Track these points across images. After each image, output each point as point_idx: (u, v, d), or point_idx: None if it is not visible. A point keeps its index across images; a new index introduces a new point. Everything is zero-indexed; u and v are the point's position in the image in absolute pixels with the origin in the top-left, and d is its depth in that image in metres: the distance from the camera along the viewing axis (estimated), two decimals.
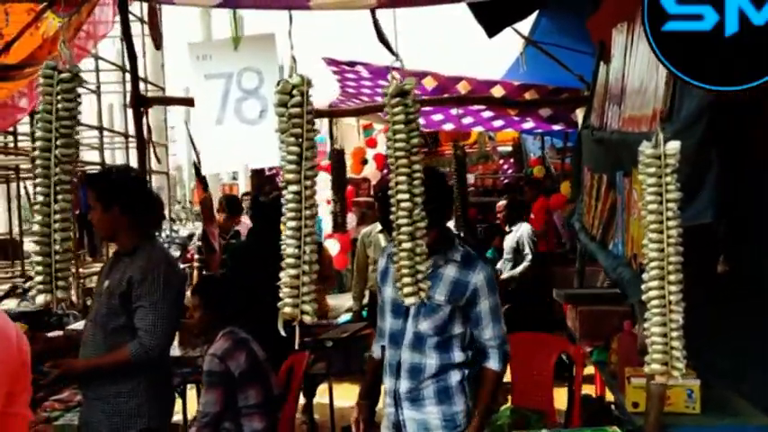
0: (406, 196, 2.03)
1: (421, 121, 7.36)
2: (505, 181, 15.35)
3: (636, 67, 3.26)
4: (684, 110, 2.43)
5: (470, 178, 14.55)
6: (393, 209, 2.07)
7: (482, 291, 2.69)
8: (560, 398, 4.31)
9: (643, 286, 1.90)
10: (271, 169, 11.68)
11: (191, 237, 15.06)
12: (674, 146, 1.87)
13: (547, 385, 4.00)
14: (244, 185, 17.70)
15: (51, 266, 2.07)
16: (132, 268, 2.96)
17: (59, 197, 2.06)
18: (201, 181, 5.95)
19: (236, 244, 5.86)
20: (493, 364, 2.71)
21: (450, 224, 8.02)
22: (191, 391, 4.93)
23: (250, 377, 3.47)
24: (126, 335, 2.95)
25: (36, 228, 2.06)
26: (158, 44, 5.34)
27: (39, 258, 2.07)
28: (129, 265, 2.99)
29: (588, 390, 5.07)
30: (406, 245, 2.02)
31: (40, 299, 2.08)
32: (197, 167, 6.03)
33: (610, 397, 4.71)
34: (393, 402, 2.78)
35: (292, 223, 1.75)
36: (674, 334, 1.85)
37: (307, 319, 1.80)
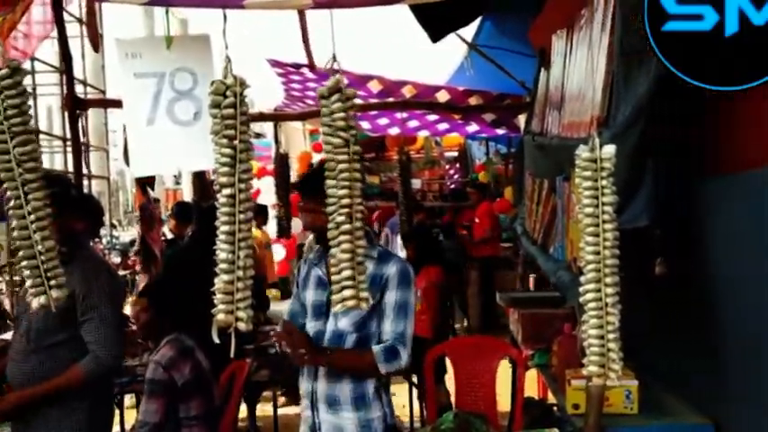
0: (347, 201, 1.99)
1: (366, 125, 7.37)
2: (452, 186, 15.47)
3: (574, 74, 3.31)
4: (620, 115, 2.47)
5: (417, 183, 14.62)
6: (331, 215, 2.02)
7: (391, 282, 2.64)
8: (503, 401, 4.34)
9: (580, 289, 1.91)
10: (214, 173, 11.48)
11: (132, 242, 14.73)
12: (609, 150, 1.89)
13: (490, 389, 4.02)
14: (188, 191, 17.39)
15: (39, 268, 2.00)
16: (72, 281, 2.81)
17: (30, 197, 1.97)
18: (141, 185, 5.79)
19: (174, 250, 5.72)
20: (378, 351, 2.59)
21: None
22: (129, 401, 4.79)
23: (193, 388, 3.38)
24: (63, 350, 2.82)
25: (15, 233, 1.99)
26: (96, 45, 5.20)
27: (25, 262, 2.00)
28: (68, 277, 2.84)
29: (531, 392, 5.13)
30: (345, 254, 1.97)
31: (35, 302, 2.00)
32: None
33: (552, 399, 4.78)
34: (310, 405, 2.75)
35: (226, 227, 1.70)
36: (611, 336, 1.86)
37: (242, 326, 1.75)
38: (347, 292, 2.08)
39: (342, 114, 1.94)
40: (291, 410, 5.69)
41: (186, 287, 3.77)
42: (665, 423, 2.74)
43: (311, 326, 2.80)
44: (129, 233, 19.11)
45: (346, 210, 1.98)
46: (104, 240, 12.92)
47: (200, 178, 5.37)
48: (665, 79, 2.28)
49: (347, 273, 2.02)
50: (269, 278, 7.19)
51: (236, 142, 1.72)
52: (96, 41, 4.95)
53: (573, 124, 3.23)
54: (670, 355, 3.06)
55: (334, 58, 1.96)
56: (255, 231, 7.04)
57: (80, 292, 2.79)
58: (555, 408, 4.44)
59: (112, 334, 2.81)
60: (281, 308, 6.53)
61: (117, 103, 6.52)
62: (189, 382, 3.33)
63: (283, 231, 6.15)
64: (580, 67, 3.18)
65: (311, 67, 6.51)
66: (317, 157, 10.87)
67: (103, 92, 12.37)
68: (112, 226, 14.46)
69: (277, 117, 7.15)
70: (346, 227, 1.96)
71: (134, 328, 4.36)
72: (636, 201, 2.42)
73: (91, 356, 2.78)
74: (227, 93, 1.73)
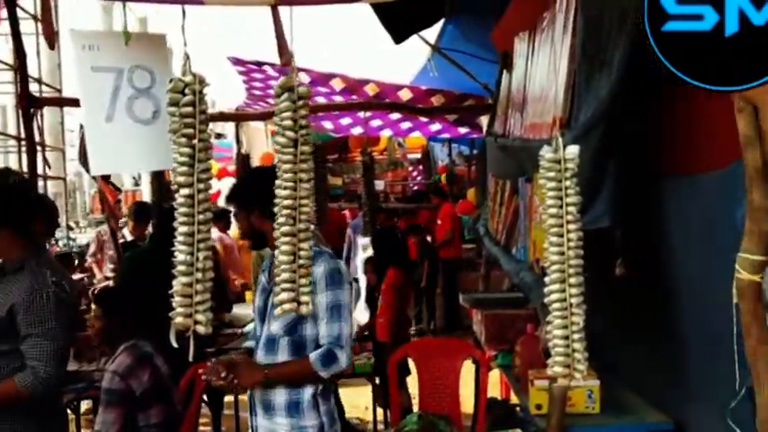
0: (288, 202, 1.95)
1: (329, 125, 7.31)
2: (414, 188, 15.52)
3: (537, 75, 3.33)
4: (582, 117, 2.48)
5: (380, 185, 14.64)
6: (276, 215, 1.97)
7: (318, 284, 2.52)
8: (466, 402, 4.34)
9: (545, 289, 1.91)
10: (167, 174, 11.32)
11: (89, 245, 14.43)
12: (573, 151, 1.90)
13: (453, 390, 4.02)
14: (148, 192, 17.11)
15: None
16: (15, 292, 2.63)
17: None
18: (112, 183, 5.65)
19: (132, 252, 5.61)
20: (315, 358, 2.54)
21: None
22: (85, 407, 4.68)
23: (152, 396, 3.31)
24: (4, 361, 2.67)
25: None
26: (52, 42, 5.06)
27: None
28: (12, 286, 2.65)
29: (494, 393, 5.15)
30: (285, 255, 1.93)
31: None
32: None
33: (515, 400, 4.80)
34: (250, 408, 2.74)
35: (184, 228, 1.66)
36: (576, 336, 1.87)
37: (200, 329, 1.70)
38: (284, 296, 2.05)
39: (288, 114, 1.91)
40: None
41: (144, 291, 3.70)
42: (626, 422, 2.76)
43: (256, 330, 2.79)
44: (87, 235, 18.72)
45: (288, 211, 1.95)
46: (60, 243, 12.62)
47: (158, 179, 5.26)
48: (626, 81, 2.34)
49: (285, 275, 1.99)
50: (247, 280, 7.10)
51: (194, 141, 1.68)
52: (52, 38, 4.80)
53: (535, 125, 3.25)
54: (631, 355, 3.09)
55: (292, 56, 1.92)
56: (234, 233, 6.93)
57: (21, 305, 2.59)
58: (518, 408, 4.47)
59: (56, 351, 2.64)
60: (242, 311, 6.45)
61: (74, 102, 6.37)
62: (148, 390, 3.26)
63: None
64: (542, 68, 3.19)
65: (285, 64, 6.45)
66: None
67: (59, 90, 12.08)
68: (69, 228, 14.13)
69: (238, 117, 7.07)
70: (286, 228, 1.92)
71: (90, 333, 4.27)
72: (598, 202, 2.44)
73: (28, 371, 2.60)
74: (186, 91, 1.69)
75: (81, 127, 6.15)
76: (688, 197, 2.45)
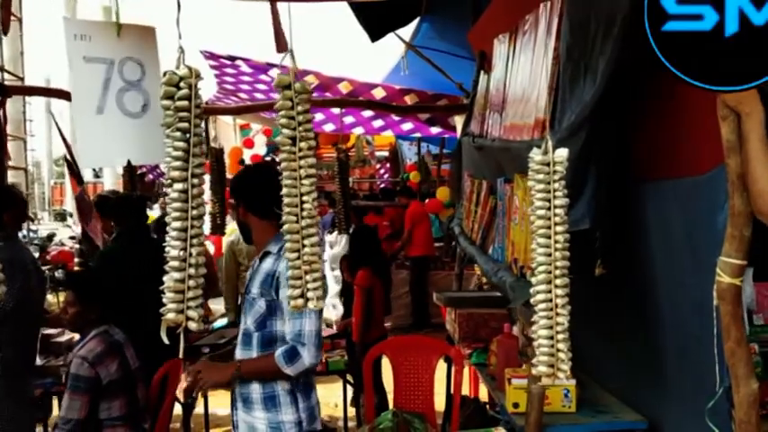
0: (295, 199, 1.95)
1: None
2: (382, 185, 15.55)
3: (518, 77, 3.35)
4: (566, 120, 2.51)
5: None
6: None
7: (283, 279, 2.55)
8: (437, 399, 4.36)
9: (531, 290, 1.93)
10: (141, 168, 11.16)
11: (50, 237, 14.15)
12: (562, 153, 1.92)
13: (428, 388, 4.04)
14: (110, 184, 16.81)
15: None
16: None
17: None
18: (77, 176, 5.53)
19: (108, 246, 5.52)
20: (278, 354, 2.55)
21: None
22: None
23: (118, 388, 3.27)
24: None
25: None
26: (6, 28, 4.91)
27: None
28: None
29: (463, 391, 5.19)
30: (294, 252, 1.93)
31: None
32: (69, 161, 5.63)
33: (484, 397, 4.84)
34: (232, 402, 2.77)
35: (177, 224, 1.64)
36: (560, 336, 1.89)
37: (192, 325, 1.69)
38: (294, 292, 2.05)
39: (284, 111, 1.91)
40: (225, 411, 5.57)
41: (111, 279, 3.65)
42: (601, 421, 2.80)
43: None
44: (47, 227, 18.34)
45: (289, 208, 1.95)
46: (21, 234, 12.33)
47: (130, 171, 5.18)
48: (610, 87, 2.37)
49: (293, 272, 1.99)
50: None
51: (189, 136, 1.66)
52: (7, 24, 4.62)
53: (515, 127, 3.27)
54: (608, 355, 3.14)
55: (292, 54, 1.91)
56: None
57: None
58: (488, 406, 4.51)
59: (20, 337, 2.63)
60: (212, 307, 6.39)
61: (40, 91, 6.25)
62: (114, 382, 3.23)
63: (217, 228, 6.02)
64: (524, 70, 3.22)
65: (282, 47, 6.38)
66: (247, 153, 10.71)
67: (22, 79, 11.82)
68: (30, 219, 13.83)
69: (208, 111, 6.98)
70: (287, 226, 1.93)
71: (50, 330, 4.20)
72: (579, 204, 2.47)
73: None
74: (182, 84, 1.67)
75: (52, 115, 6.03)
76: (669, 201, 2.49)
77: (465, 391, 5.12)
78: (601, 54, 2.38)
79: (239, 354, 2.73)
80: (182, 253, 1.63)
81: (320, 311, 2.62)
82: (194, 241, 1.64)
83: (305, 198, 1.83)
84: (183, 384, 2.67)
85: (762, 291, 2.85)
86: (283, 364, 2.53)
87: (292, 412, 2.63)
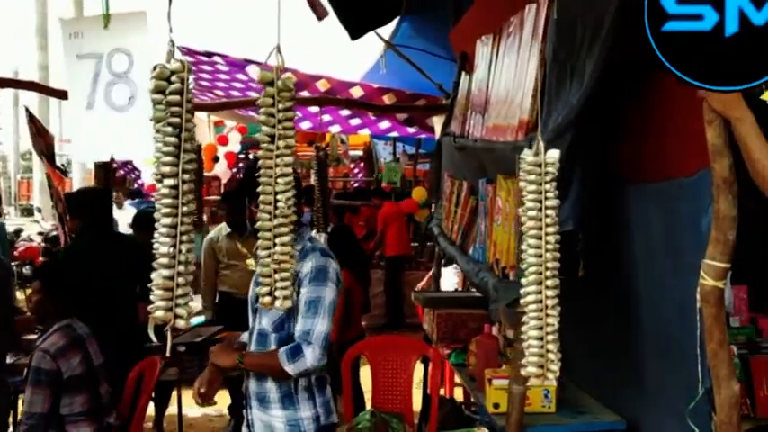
0: (269, 197, 1.95)
1: None
2: (356, 185, 15.53)
3: (501, 79, 3.36)
4: (552, 122, 2.52)
5: None
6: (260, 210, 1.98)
7: (305, 279, 2.55)
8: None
9: (522, 291, 1.93)
10: (113, 163, 10.99)
11: (18, 233, 13.87)
12: (553, 155, 1.93)
13: (406, 388, 4.03)
14: (78, 181, 16.53)
15: None
16: None
17: None
18: (61, 170, 5.42)
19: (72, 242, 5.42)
20: (282, 351, 2.52)
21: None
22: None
23: (80, 383, 3.21)
24: None
25: None
26: None
27: None
28: None
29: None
30: (265, 249, 1.94)
31: None
32: (47, 156, 5.53)
33: (460, 398, 4.86)
34: (245, 401, 2.74)
35: (167, 220, 1.60)
36: (550, 337, 1.90)
37: (180, 323, 1.66)
38: (262, 289, 2.07)
39: (263, 109, 1.92)
40: (199, 411, 5.53)
41: (75, 275, 3.59)
42: (580, 421, 2.83)
43: (250, 322, 2.78)
44: (13, 222, 17.98)
45: (264, 206, 1.96)
46: None
47: (105, 166, 5.09)
48: (597, 90, 2.38)
49: (263, 269, 2.01)
50: None
51: (180, 131, 1.63)
52: None
53: (498, 128, 3.28)
54: (588, 356, 3.16)
55: (279, 50, 1.89)
56: None
57: None
58: (463, 406, 4.52)
59: None
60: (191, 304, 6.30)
61: (8, 83, 6.11)
62: (76, 377, 3.18)
63: (195, 225, 5.91)
64: (508, 72, 3.23)
65: (321, 17, 6.29)
66: (221, 150, 10.62)
67: None
68: None
69: (198, 107, 6.91)
70: (259, 224, 1.94)
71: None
72: (563, 206, 2.48)
73: None
74: (174, 78, 1.64)
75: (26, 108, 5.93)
76: (653, 203, 2.52)
77: (441, 391, 5.14)
78: (588, 56, 2.40)
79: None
80: (171, 250, 1.60)
81: (333, 313, 2.60)
82: (184, 238, 1.62)
83: (279, 197, 1.83)
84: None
85: (738, 293, 2.90)
86: (285, 362, 2.50)
87: (310, 408, 2.61)
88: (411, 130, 7.86)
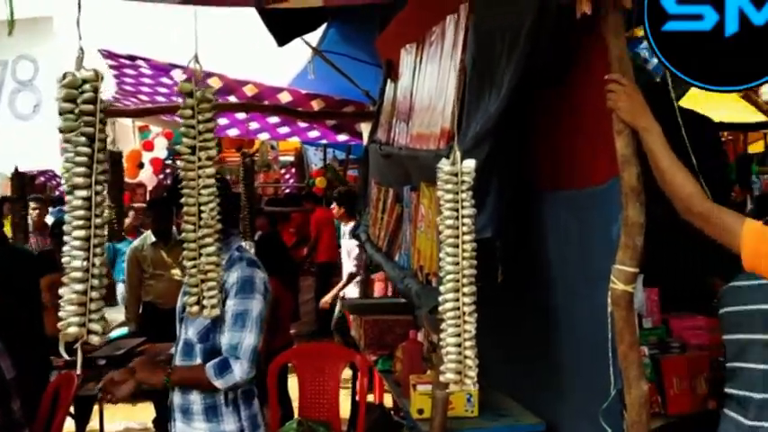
0: (193, 209, 1.95)
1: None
2: (287, 191, 15.41)
3: (424, 87, 3.41)
4: (471, 131, 2.58)
5: None
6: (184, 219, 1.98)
7: (231, 290, 2.51)
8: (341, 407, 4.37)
9: (440, 298, 1.97)
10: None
11: None
12: (469, 164, 1.97)
13: (334, 396, 4.03)
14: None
15: None
16: None
17: None
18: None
19: None
20: (209, 366, 2.47)
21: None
22: None
23: None
24: None
25: None
26: None
27: None
28: None
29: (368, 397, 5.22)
30: (191, 260, 1.93)
31: None
32: None
33: (389, 404, 4.89)
34: (170, 414, 2.69)
35: (81, 233, 1.56)
36: (468, 344, 1.94)
37: (94, 339, 1.62)
38: (189, 299, 2.08)
39: (184, 120, 1.93)
40: (122, 425, 5.39)
41: None
42: (501, 424, 2.89)
43: (177, 335, 2.72)
44: None
45: (188, 217, 1.98)
46: None
47: (20, 175, 4.90)
48: (514, 101, 2.45)
49: (189, 279, 2.03)
50: None
51: (94, 141, 1.59)
52: None
53: (422, 136, 3.33)
54: (509, 359, 3.23)
55: (197, 60, 1.88)
56: None
57: None
58: (392, 412, 4.56)
59: None
60: (108, 316, 6.12)
61: None
62: None
63: (114, 234, 5.76)
64: (431, 81, 3.28)
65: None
66: (147, 156, 10.37)
67: None
68: None
69: (108, 113, 6.71)
70: (184, 234, 1.95)
71: None
72: (482, 214, 2.53)
73: None
74: (86, 87, 1.60)
75: None
76: (567, 211, 2.60)
77: (370, 397, 5.16)
78: (505, 66, 2.46)
79: (179, 364, 2.63)
80: (84, 263, 1.56)
81: (262, 325, 2.56)
82: (97, 251, 1.58)
83: (203, 208, 1.82)
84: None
85: (650, 296, 3.03)
86: (213, 377, 2.46)
87: (234, 421, 2.56)
88: (341, 137, 7.86)
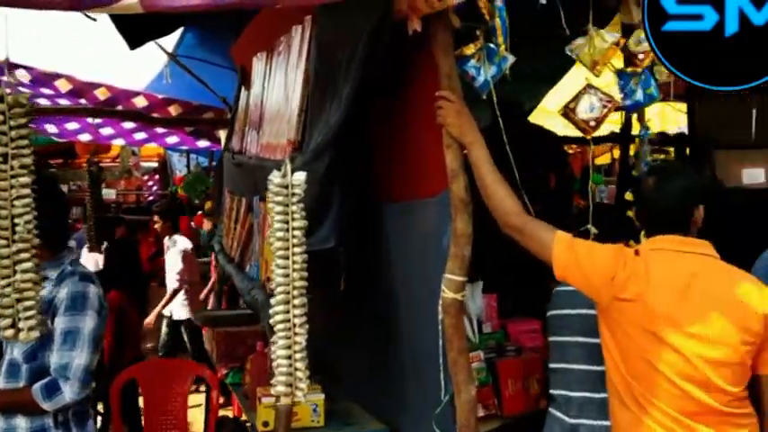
0: (5, 222, 1.83)
1: (53, 129, 6.65)
2: (150, 198, 14.84)
3: (273, 96, 3.40)
4: (313, 143, 2.59)
5: (112, 194, 13.79)
6: None
7: (60, 307, 2.37)
8: (198, 422, 4.25)
9: (270, 310, 1.96)
10: None
11: None
12: (300, 177, 1.97)
13: (181, 413, 3.90)
14: None
15: None
16: None
17: None
18: None
19: None
20: (36, 387, 2.32)
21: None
22: None
23: None
24: None
25: None
26: None
27: None
28: None
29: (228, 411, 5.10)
30: (4, 278, 1.82)
31: None
32: None
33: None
34: None
35: None
36: (298, 356, 1.93)
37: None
38: (4, 322, 1.95)
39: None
40: None
41: None
42: None
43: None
44: None
45: (2, 231, 1.85)
46: None
47: None
48: (354, 114, 2.48)
49: (5, 300, 1.90)
50: None
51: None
52: None
53: (270, 146, 3.31)
54: (356, 367, 3.26)
55: (8, 64, 1.76)
56: None
57: None
58: (248, 425, 4.48)
59: None
60: None
61: None
62: None
63: None
64: (278, 90, 3.27)
65: None
66: None
67: None
68: None
69: None
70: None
71: None
72: (324, 225, 2.55)
73: None
74: None
75: None
76: (405, 222, 2.67)
77: (230, 412, 5.05)
78: (345, 78, 2.49)
79: (2, 385, 2.42)
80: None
81: (96, 343, 2.41)
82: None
83: (17, 221, 1.71)
84: None
85: (489, 302, 3.16)
86: (41, 399, 2.30)
87: None
88: (201, 143, 7.67)
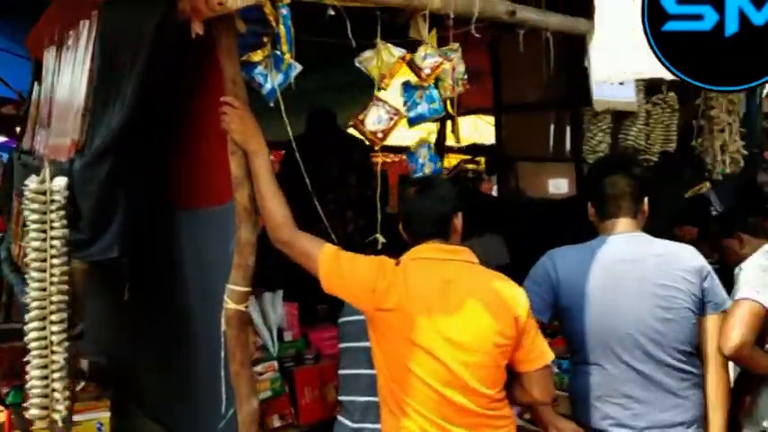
0: None
1: None
2: None
3: (61, 94, 3.16)
4: (94, 145, 2.43)
5: None
6: None
7: None
8: None
9: (24, 327, 1.80)
10: None
11: None
12: (60, 183, 1.83)
13: None
14: None
15: None
16: None
17: None
18: None
19: None
20: None
21: None
22: None
23: None
24: None
25: None
26: None
27: None
28: None
29: None
30: None
31: None
32: None
33: None
34: None
35: None
36: (56, 375, 1.80)
37: None
38: None
39: None
40: None
41: None
42: None
43: None
44: None
45: None
46: None
47: None
48: (137, 116, 2.35)
49: None
50: None
51: None
52: None
53: (57, 146, 3.07)
54: (151, 381, 3.11)
55: None
56: None
57: None
58: None
59: None
60: None
61: None
62: None
63: None
64: (65, 88, 3.05)
65: None
66: None
67: None
68: None
69: None
70: None
71: None
72: (107, 233, 2.40)
73: None
74: None
75: None
76: (197, 230, 2.58)
77: None
78: (129, 79, 2.36)
79: None
80: None
81: None
82: None
83: None
84: None
85: (290, 310, 3.14)
86: None
87: None
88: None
